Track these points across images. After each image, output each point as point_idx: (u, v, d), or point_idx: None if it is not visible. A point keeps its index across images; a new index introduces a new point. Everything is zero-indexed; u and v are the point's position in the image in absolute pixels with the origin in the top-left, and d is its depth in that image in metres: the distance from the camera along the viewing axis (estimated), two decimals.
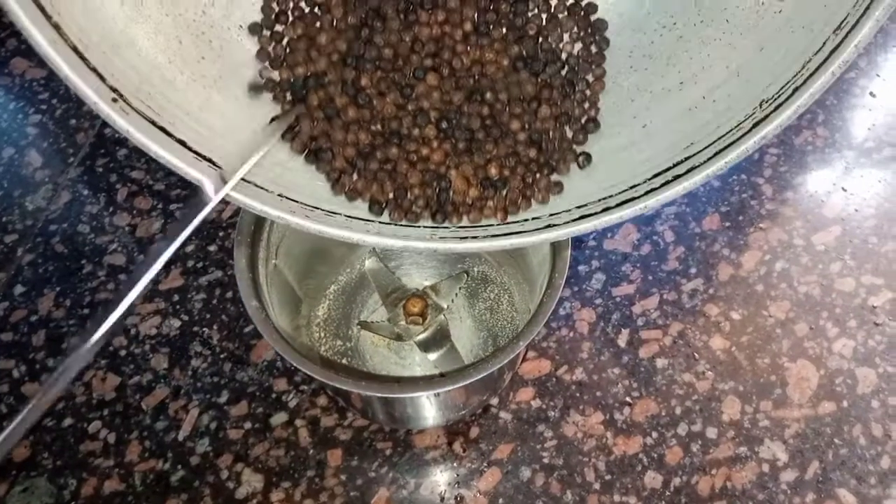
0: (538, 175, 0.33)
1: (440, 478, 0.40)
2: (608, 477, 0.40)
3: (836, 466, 0.40)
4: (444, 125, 0.32)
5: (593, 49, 0.34)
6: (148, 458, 0.41)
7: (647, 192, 0.31)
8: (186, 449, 0.41)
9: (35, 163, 0.54)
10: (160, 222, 0.50)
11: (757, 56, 0.30)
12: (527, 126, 0.33)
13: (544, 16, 0.34)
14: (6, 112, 0.57)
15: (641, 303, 0.46)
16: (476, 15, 0.33)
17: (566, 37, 0.34)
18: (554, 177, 0.33)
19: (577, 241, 0.48)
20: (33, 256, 0.49)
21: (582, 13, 0.34)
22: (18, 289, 0.48)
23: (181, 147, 0.30)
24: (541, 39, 0.34)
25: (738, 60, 0.30)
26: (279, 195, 0.32)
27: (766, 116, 0.28)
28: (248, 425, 0.42)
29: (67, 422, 0.43)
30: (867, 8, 0.25)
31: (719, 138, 0.30)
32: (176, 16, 0.31)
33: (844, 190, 0.49)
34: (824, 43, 0.26)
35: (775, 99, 0.28)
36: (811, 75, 0.27)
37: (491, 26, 0.33)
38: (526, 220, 0.33)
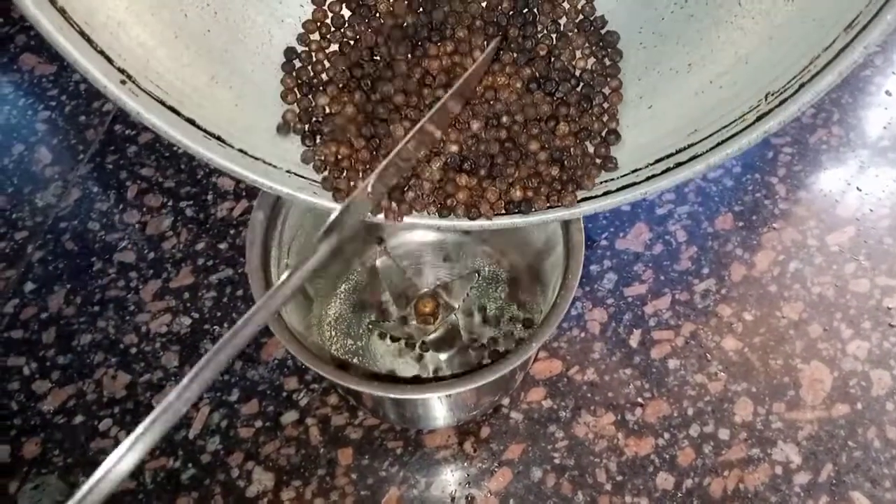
0: (563, 192, 0.32)
1: (451, 477, 0.40)
2: (620, 478, 0.40)
3: (850, 469, 0.39)
4: (466, 166, 0.32)
5: (607, 62, 0.34)
6: (158, 456, 0.41)
7: (648, 178, 0.31)
8: (197, 447, 0.41)
9: (45, 159, 0.54)
10: (170, 219, 0.50)
11: (766, 45, 0.29)
12: (546, 145, 0.32)
13: (554, 35, 0.33)
14: (16, 108, 0.57)
15: (653, 303, 0.45)
16: (485, 42, 0.33)
17: (578, 53, 0.34)
18: (580, 193, 0.33)
19: (589, 241, 0.48)
20: (43, 253, 0.49)
21: (592, 28, 0.33)
22: (29, 286, 0.48)
23: (190, 126, 0.30)
24: (552, 59, 0.33)
25: (748, 47, 0.30)
26: (287, 171, 0.33)
27: (770, 111, 0.28)
28: (258, 424, 0.42)
29: (78, 419, 0.43)
30: (880, 10, 0.24)
31: (723, 127, 0.29)
32: None
33: (859, 189, 0.49)
34: (834, 41, 0.26)
35: (781, 93, 0.27)
36: (818, 73, 0.26)
37: (501, 51, 0.33)
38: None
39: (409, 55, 0.33)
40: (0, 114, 0.56)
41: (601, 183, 0.33)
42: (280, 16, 0.34)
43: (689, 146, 0.30)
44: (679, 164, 0.30)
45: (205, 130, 0.30)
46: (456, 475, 0.40)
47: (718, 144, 0.29)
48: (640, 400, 0.42)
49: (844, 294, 0.45)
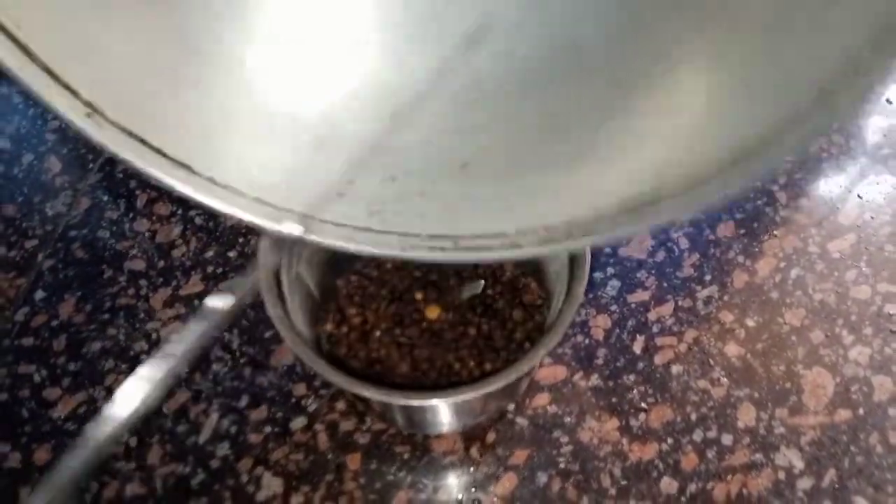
0: None
1: (457, 482, 0.41)
2: (624, 483, 0.40)
3: (852, 474, 0.40)
4: None
5: None
6: (169, 462, 0.42)
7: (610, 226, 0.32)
8: (207, 453, 0.42)
9: (54, 168, 0.54)
10: (179, 228, 0.51)
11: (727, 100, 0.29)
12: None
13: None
14: (25, 118, 0.57)
15: (656, 309, 0.46)
16: None
17: None
18: None
19: (593, 248, 0.48)
20: (54, 262, 0.50)
21: None
22: (39, 294, 0.48)
23: (158, 156, 0.30)
24: None
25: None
26: (255, 199, 0.33)
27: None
28: (267, 429, 0.43)
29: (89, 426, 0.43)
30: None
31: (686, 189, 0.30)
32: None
33: (860, 197, 0.50)
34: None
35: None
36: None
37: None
38: (495, 235, 0.33)
39: None
40: (10, 124, 0.57)
41: (565, 222, 0.33)
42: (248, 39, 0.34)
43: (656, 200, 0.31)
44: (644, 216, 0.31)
45: (173, 160, 0.31)
46: (462, 480, 0.41)
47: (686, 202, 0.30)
48: (643, 405, 0.43)
49: (846, 300, 0.46)
